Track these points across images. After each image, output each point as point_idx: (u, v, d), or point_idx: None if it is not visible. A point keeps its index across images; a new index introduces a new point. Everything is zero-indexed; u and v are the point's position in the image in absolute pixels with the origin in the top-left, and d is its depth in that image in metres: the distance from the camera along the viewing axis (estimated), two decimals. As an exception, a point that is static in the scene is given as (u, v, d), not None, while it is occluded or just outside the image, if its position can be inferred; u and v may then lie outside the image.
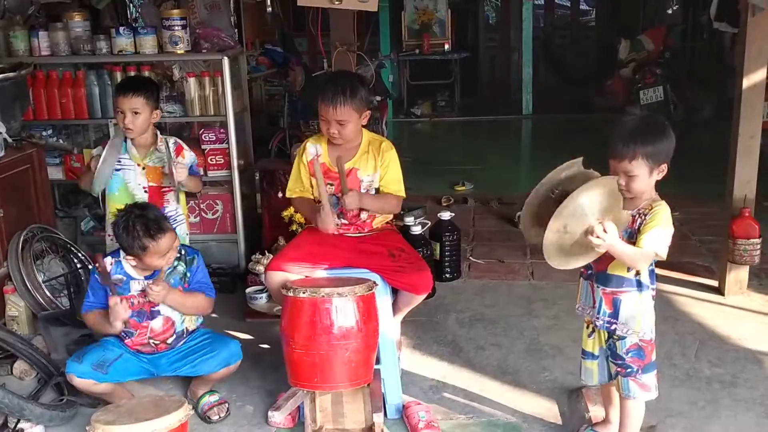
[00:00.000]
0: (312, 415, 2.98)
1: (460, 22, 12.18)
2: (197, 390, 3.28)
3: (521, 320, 4.05)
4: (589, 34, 14.14)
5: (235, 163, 4.67)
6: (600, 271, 2.69)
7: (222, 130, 4.65)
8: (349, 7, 4.04)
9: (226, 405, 3.22)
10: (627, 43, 9.71)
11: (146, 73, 4.68)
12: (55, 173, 4.72)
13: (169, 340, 3.22)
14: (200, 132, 4.73)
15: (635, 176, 2.52)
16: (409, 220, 4.44)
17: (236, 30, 6.85)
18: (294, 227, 4.22)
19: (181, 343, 3.26)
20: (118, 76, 4.64)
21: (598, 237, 2.41)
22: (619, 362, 2.71)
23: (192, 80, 4.63)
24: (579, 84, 11.88)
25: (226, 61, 4.50)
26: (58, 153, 4.76)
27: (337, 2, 3.95)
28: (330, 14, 4.64)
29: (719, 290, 4.31)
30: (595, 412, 3.10)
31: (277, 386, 3.31)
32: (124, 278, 3.14)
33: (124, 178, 3.65)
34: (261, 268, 4.07)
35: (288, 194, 3.38)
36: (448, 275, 4.61)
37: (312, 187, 3.29)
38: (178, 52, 4.53)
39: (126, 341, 3.20)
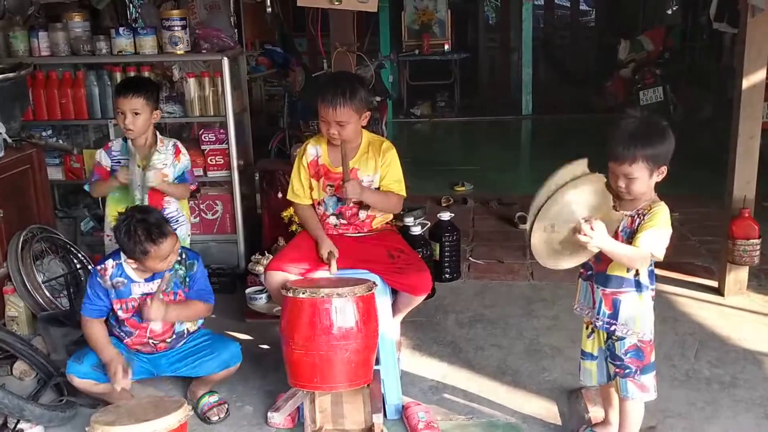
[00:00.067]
0: (311, 415, 2.98)
1: (460, 23, 12.18)
2: (197, 391, 3.28)
3: (521, 321, 4.05)
4: (588, 34, 14.14)
5: (234, 163, 4.67)
6: (600, 272, 2.69)
7: (222, 131, 4.65)
8: (349, 8, 4.05)
9: (226, 406, 3.22)
10: (627, 44, 9.71)
11: (146, 74, 4.68)
12: (55, 173, 4.72)
13: (169, 340, 3.22)
14: (200, 132, 4.73)
15: (635, 179, 2.52)
16: (408, 220, 4.44)
17: (236, 30, 6.85)
18: (294, 227, 4.22)
19: (182, 343, 3.25)
20: (118, 77, 4.63)
21: (585, 235, 2.41)
22: (618, 363, 2.71)
23: (192, 81, 4.63)
24: (579, 84, 11.89)
25: (225, 62, 4.50)
26: (58, 153, 4.75)
27: (337, 3, 3.95)
28: (330, 14, 4.64)
29: (719, 291, 4.31)
30: (595, 412, 3.10)
31: (276, 387, 3.31)
32: (125, 281, 3.13)
33: (124, 179, 3.65)
34: (261, 269, 4.07)
35: (289, 197, 3.37)
36: (447, 276, 4.61)
37: (312, 189, 3.29)
38: (178, 52, 4.53)
39: (125, 341, 3.20)
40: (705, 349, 3.66)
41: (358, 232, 3.29)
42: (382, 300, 3.10)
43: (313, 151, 3.29)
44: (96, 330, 3.14)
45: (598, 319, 2.72)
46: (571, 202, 2.42)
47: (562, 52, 13.28)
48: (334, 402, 3.02)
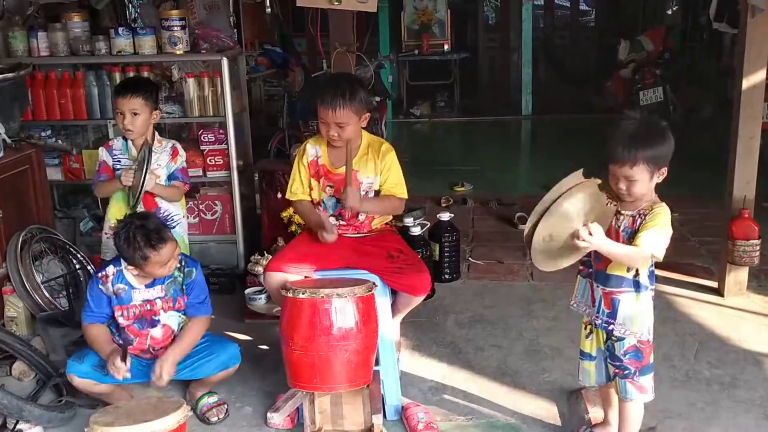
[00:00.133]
0: (311, 416, 2.98)
1: (460, 23, 12.17)
2: (196, 391, 3.27)
3: (520, 321, 4.04)
4: (588, 34, 14.14)
5: (234, 163, 4.66)
6: (599, 270, 2.69)
7: (221, 131, 4.65)
8: (348, 8, 4.05)
9: (225, 406, 3.22)
10: (627, 44, 9.71)
11: (145, 74, 4.67)
12: (54, 174, 4.71)
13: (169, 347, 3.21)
14: (199, 132, 4.72)
15: (636, 181, 2.52)
16: (408, 220, 4.44)
17: (235, 30, 6.85)
18: (293, 228, 4.21)
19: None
20: (117, 77, 4.63)
21: (584, 240, 2.43)
22: (617, 364, 2.71)
23: (191, 81, 4.63)
24: (578, 84, 11.88)
25: (225, 62, 4.50)
26: (57, 153, 4.75)
27: (336, 3, 3.95)
28: (329, 15, 4.63)
29: (719, 291, 4.31)
30: (595, 413, 3.10)
31: (276, 387, 3.30)
32: (126, 288, 3.13)
33: (123, 179, 3.64)
34: (260, 269, 4.07)
35: (288, 196, 3.37)
36: (447, 276, 4.61)
37: (311, 189, 3.29)
38: (177, 52, 4.52)
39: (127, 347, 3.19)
40: (705, 349, 3.66)
41: (358, 233, 3.29)
42: (382, 300, 3.10)
43: (313, 151, 3.29)
44: (98, 332, 3.14)
45: (597, 317, 2.72)
46: (567, 212, 2.45)
47: (562, 52, 13.28)
48: (334, 403, 3.02)
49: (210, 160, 4.68)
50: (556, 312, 4.11)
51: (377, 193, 3.25)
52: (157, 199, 3.67)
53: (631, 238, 2.57)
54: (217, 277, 4.49)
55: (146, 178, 3.48)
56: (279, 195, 4.41)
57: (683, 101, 9.24)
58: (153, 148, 3.63)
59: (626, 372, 2.69)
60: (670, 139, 2.55)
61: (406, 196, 3.29)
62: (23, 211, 4.07)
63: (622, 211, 2.60)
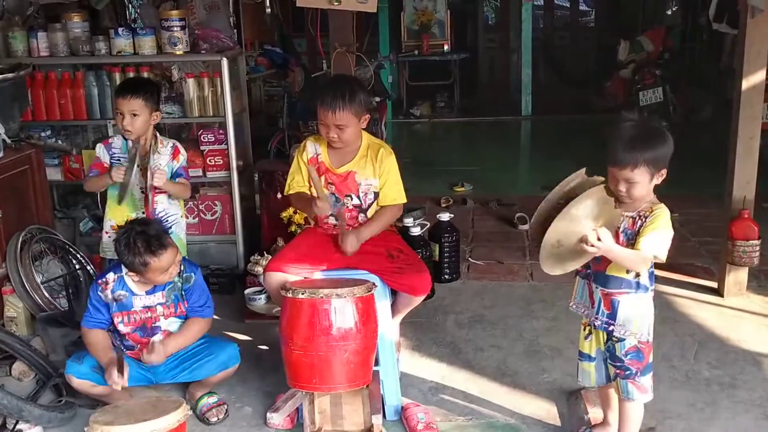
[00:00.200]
0: (311, 416, 2.98)
1: (460, 23, 12.17)
2: (196, 392, 3.27)
3: (520, 321, 4.04)
4: (588, 35, 14.11)
5: (234, 163, 4.66)
6: (598, 271, 2.69)
7: (221, 131, 4.65)
8: (348, 8, 4.05)
9: (225, 406, 3.22)
10: (626, 44, 9.69)
11: (145, 74, 4.67)
12: (54, 174, 4.71)
13: None
14: (199, 133, 4.72)
15: (636, 183, 2.51)
16: (408, 221, 4.44)
17: (235, 31, 6.85)
18: (293, 228, 4.22)
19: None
20: (117, 77, 4.63)
21: (593, 246, 2.43)
22: (618, 364, 2.70)
23: (191, 81, 4.63)
24: (578, 85, 11.87)
25: (225, 62, 4.50)
26: (57, 154, 4.75)
27: (336, 3, 3.95)
28: (329, 15, 4.63)
29: (718, 292, 4.31)
30: (595, 413, 3.10)
31: (275, 387, 3.30)
32: (127, 294, 3.13)
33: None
34: (260, 269, 4.07)
35: (286, 190, 3.37)
36: (447, 276, 4.61)
37: (310, 185, 3.29)
38: (177, 52, 4.52)
39: (128, 353, 3.19)
40: (704, 350, 3.66)
41: (358, 233, 3.28)
42: (382, 301, 3.10)
43: (312, 149, 3.30)
44: (97, 338, 3.14)
45: (597, 318, 2.72)
46: (577, 217, 2.44)
47: (562, 53, 13.26)
48: (333, 403, 3.02)
49: (210, 161, 4.68)
50: (555, 312, 4.11)
51: (376, 195, 3.24)
52: (157, 197, 3.67)
53: (631, 240, 2.57)
54: (217, 277, 4.50)
55: (134, 173, 3.46)
56: (279, 195, 4.41)
57: (683, 102, 9.23)
58: (156, 149, 3.63)
59: (627, 373, 2.69)
60: (669, 141, 2.55)
61: (404, 200, 3.29)
62: (23, 211, 4.07)
63: (622, 213, 2.60)
